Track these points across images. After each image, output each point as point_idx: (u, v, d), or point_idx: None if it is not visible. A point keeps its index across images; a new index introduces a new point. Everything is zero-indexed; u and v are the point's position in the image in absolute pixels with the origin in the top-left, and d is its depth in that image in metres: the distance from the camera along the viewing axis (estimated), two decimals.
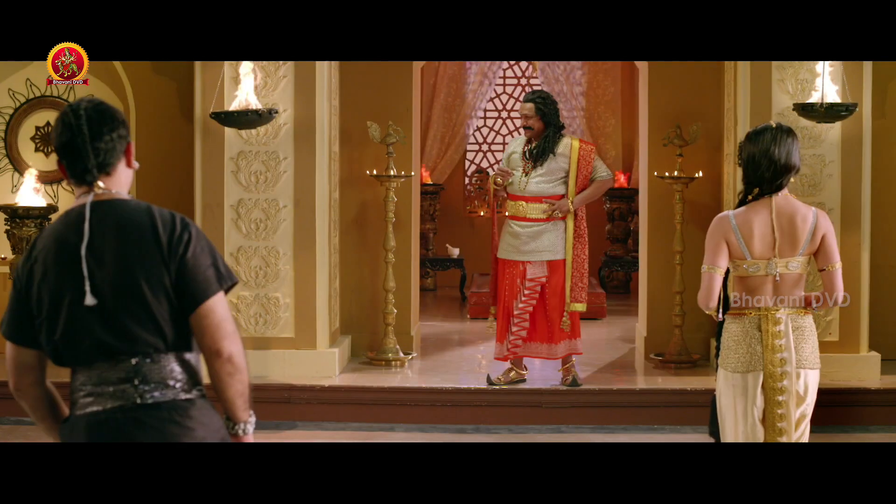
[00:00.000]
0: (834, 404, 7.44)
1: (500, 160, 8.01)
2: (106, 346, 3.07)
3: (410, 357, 8.59)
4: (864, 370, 7.84)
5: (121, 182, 3.20)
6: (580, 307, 7.72)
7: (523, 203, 7.67)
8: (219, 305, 3.11)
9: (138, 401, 3.08)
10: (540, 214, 7.64)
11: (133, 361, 3.08)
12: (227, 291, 3.16)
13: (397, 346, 8.50)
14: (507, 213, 7.75)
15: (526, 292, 7.65)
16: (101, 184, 3.15)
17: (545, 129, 7.64)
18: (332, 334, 8.27)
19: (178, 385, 3.13)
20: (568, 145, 7.66)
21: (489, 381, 7.79)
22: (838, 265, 4.62)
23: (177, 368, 3.13)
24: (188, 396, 3.14)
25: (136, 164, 3.25)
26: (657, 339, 8.67)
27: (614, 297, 12.21)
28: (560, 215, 7.62)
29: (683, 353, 8.33)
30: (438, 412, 7.64)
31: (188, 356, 3.16)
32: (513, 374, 7.84)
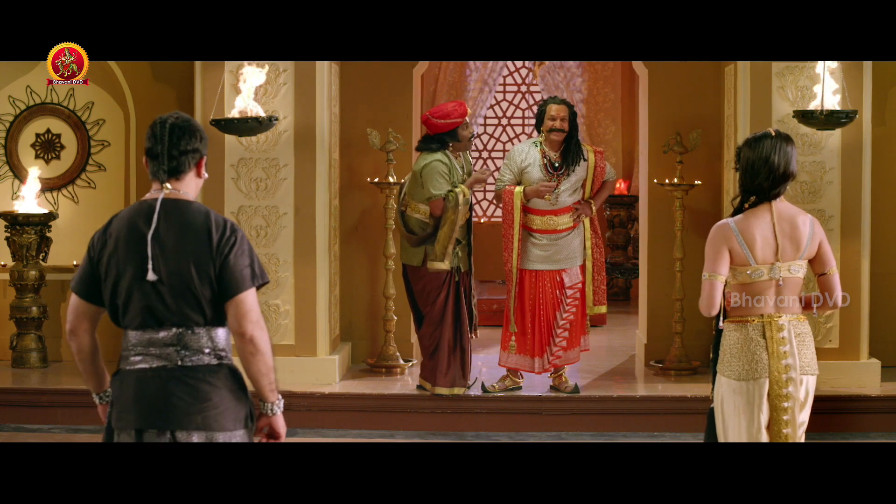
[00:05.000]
0: (834, 411, 7.45)
1: (501, 171, 7.79)
2: (157, 315, 3.74)
3: (410, 364, 8.58)
4: (865, 377, 7.84)
5: (188, 187, 3.86)
6: (603, 309, 7.84)
7: (552, 216, 7.64)
8: (249, 297, 3.77)
9: (179, 363, 3.76)
10: (568, 223, 7.66)
11: (178, 330, 3.76)
12: (258, 288, 3.81)
13: (397, 353, 8.50)
14: (532, 227, 7.65)
15: (569, 300, 7.65)
16: (169, 185, 3.80)
17: (568, 136, 7.63)
18: (333, 341, 8.27)
19: (211, 353, 3.79)
20: (586, 152, 7.68)
21: (483, 389, 7.78)
22: (836, 268, 4.68)
23: (211, 340, 3.79)
24: (219, 362, 3.80)
25: (205, 175, 3.90)
26: (657, 347, 8.67)
27: (614, 304, 12.18)
28: (584, 218, 7.67)
29: (683, 361, 8.33)
30: (439, 419, 7.64)
31: (221, 331, 3.82)
32: (508, 381, 7.83)
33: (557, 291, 7.64)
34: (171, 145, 3.78)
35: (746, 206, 4.61)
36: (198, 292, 3.73)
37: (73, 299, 3.88)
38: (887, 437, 7.38)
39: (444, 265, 7.45)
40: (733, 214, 4.64)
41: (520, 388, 7.85)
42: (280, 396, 3.89)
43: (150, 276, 3.71)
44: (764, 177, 4.54)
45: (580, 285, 7.69)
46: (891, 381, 7.90)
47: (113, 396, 3.84)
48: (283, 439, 3.94)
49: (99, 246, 3.83)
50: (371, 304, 8.81)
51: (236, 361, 3.87)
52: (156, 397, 3.72)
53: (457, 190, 7.46)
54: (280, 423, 3.91)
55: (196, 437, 3.72)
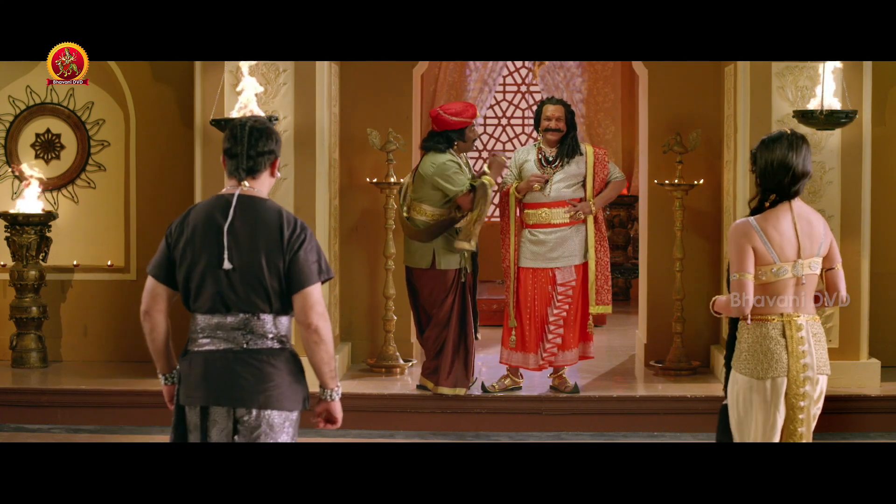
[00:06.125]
0: (834, 411, 7.41)
1: (505, 172, 7.87)
2: (227, 301, 4.04)
3: (410, 364, 8.58)
4: (865, 377, 7.84)
5: (263, 185, 4.17)
6: (606, 309, 7.79)
7: (546, 209, 7.64)
8: (315, 291, 4.07)
9: (245, 346, 4.05)
10: (564, 218, 7.65)
11: (245, 316, 4.05)
12: (323, 282, 4.11)
13: (397, 354, 8.50)
14: (528, 223, 7.68)
15: (560, 298, 7.64)
16: (246, 183, 4.12)
17: (566, 134, 7.65)
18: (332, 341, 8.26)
19: (274, 338, 4.08)
20: (583, 149, 7.69)
21: (483, 389, 7.78)
22: (841, 264, 4.74)
23: (275, 326, 4.08)
24: (280, 347, 4.10)
25: (278, 174, 4.22)
26: (657, 346, 8.67)
27: (614, 304, 12.10)
28: (582, 217, 7.65)
29: (683, 361, 8.33)
30: (439, 419, 7.64)
31: (284, 319, 4.10)
32: (508, 381, 7.83)
33: (549, 287, 7.65)
34: (250, 146, 4.09)
35: (767, 204, 4.63)
36: (266, 283, 4.03)
37: (150, 281, 4.16)
38: (887, 437, 7.38)
39: (471, 245, 7.45)
40: (752, 214, 4.66)
41: (520, 388, 7.85)
42: (339, 384, 4.17)
43: (226, 265, 4.02)
44: (783, 175, 4.58)
45: (573, 283, 7.68)
46: (891, 381, 7.89)
47: (181, 376, 4.10)
48: (340, 424, 4.18)
49: (176, 234, 4.13)
50: (371, 304, 8.81)
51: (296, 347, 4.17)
52: (222, 377, 4.01)
53: (483, 178, 7.45)
54: (338, 409, 4.16)
55: (257, 416, 3.99)
